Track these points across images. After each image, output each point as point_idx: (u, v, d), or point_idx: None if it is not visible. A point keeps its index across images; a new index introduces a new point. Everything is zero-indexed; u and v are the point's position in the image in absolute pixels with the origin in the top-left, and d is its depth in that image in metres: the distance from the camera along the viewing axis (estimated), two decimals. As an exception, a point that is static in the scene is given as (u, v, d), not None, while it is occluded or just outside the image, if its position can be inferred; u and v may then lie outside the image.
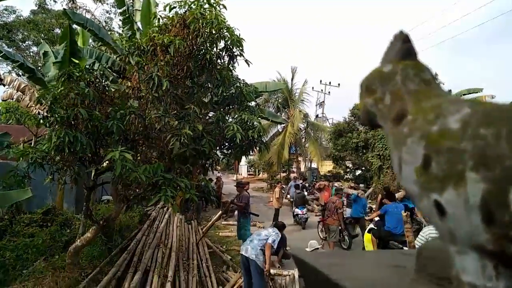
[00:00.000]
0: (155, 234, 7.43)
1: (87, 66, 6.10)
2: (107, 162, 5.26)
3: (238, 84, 5.90)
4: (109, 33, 10.72)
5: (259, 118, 6.22)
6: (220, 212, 12.37)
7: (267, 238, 5.34)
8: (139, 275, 5.20)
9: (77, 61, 7.78)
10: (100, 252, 6.16)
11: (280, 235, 5.58)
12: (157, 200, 4.59)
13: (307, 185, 22.57)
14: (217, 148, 6.06)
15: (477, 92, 17.52)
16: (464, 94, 17.99)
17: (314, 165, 29.00)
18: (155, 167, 4.60)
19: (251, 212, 9.04)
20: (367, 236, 7.05)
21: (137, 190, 5.19)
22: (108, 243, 6.41)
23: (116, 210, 5.65)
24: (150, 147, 5.59)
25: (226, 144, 6.02)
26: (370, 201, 13.57)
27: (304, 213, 12.17)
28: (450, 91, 22.66)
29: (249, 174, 46.48)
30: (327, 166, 27.63)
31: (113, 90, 5.50)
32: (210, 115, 6.57)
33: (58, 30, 23.12)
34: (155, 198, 4.56)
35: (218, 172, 18.56)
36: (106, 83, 5.20)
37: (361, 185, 13.34)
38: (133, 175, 4.22)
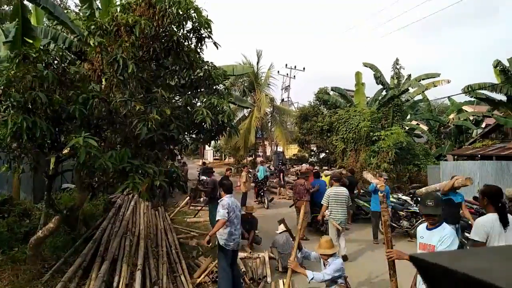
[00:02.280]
0: (121, 222, 7.25)
1: (41, 47, 5.69)
2: (68, 149, 5.00)
3: (206, 67, 5.75)
4: (65, 11, 10.02)
5: (228, 103, 6.14)
6: (188, 198, 12.33)
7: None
8: (107, 265, 5.06)
9: (30, 41, 7.25)
10: (63, 242, 5.91)
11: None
12: (125, 188, 4.43)
13: (272, 168, 22.85)
14: (186, 133, 5.93)
15: (434, 77, 18.32)
16: (423, 79, 18.77)
17: (280, 149, 29.35)
18: (122, 153, 4.43)
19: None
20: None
21: (103, 178, 4.98)
22: (72, 232, 6.16)
23: (80, 199, 5.42)
24: (115, 133, 5.37)
25: (195, 129, 5.90)
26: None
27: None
28: (409, 76, 23.58)
29: (215, 159, 46.28)
30: (292, 150, 28.07)
31: (72, 72, 5.19)
32: (177, 98, 6.40)
33: (6, 7, 21.36)
34: (123, 185, 4.40)
35: (182, 158, 18.35)
36: (65, 65, 4.88)
37: (384, 174, 11.31)
38: (99, 162, 4.03)
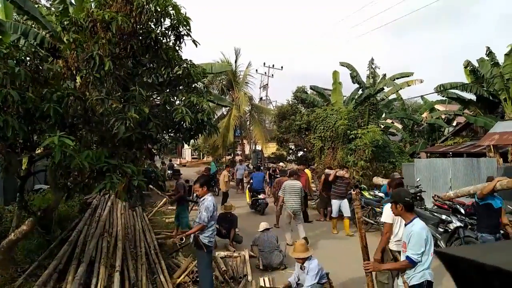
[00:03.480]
0: (97, 223, 7.08)
1: (11, 43, 5.46)
2: (42, 148, 4.84)
3: (185, 65, 5.69)
4: (36, 6, 9.65)
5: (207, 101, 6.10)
6: (165, 199, 12.16)
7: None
8: (84, 267, 4.94)
9: (-1, 36, 6.95)
10: (37, 245, 5.72)
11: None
12: (102, 188, 4.33)
13: (251, 166, 22.92)
14: (164, 132, 5.86)
15: (408, 76, 18.82)
16: (397, 78, 19.25)
17: (258, 147, 29.42)
18: (99, 152, 4.33)
19: (190, 200, 9.07)
20: None
21: (79, 178, 4.85)
22: (46, 235, 5.96)
23: (55, 200, 5.26)
24: (91, 132, 5.24)
25: (174, 127, 5.83)
26: (313, 180, 14.18)
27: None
28: (384, 75, 24.14)
29: (193, 158, 45.91)
30: (271, 148, 28.18)
31: (46, 69, 5.01)
32: (155, 97, 6.30)
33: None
34: (100, 185, 4.31)
35: (163, 158, 18.33)
36: (38, 61, 4.71)
37: (396, 173, 9.76)
38: (75, 161, 3.93)
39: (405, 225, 3.48)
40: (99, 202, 8.94)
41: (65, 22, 4.98)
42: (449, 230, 6.31)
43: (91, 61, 4.35)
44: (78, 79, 5.09)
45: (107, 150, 4.51)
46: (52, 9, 9.63)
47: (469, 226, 6.57)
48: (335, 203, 9.23)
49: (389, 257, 4.36)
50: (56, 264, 5.02)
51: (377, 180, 9.91)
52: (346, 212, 9.08)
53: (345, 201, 9.19)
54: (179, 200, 8.63)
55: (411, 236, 3.28)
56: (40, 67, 4.61)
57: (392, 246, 4.36)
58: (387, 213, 4.36)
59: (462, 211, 7.48)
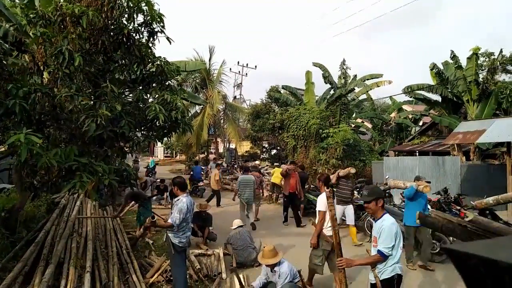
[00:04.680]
0: (66, 223, 6.84)
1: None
2: (6, 146, 4.64)
3: (159, 62, 5.61)
4: (-2, -3, 9.17)
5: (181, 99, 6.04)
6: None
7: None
8: (52, 268, 4.76)
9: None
10: (1, 247, 5.46)
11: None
12: (71, 187, 4.21)
13: (225, 165, 22.86)
14: (137, 129, 5.76)
15: (378, 77, 19.38)
16: (367, 79, 19.78)
17: (232, 145, 29.38)
18: (68, 151, 4.21)
19: (147, 197, 9.02)
20: None
21: (46, 177, 4.69)
22: (11, 236, 5.71)
23: (21, 200, 5.06)
24: (60, 129, 5.08)
25: (147, 125, 5.74)
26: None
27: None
28: (355, 76, 24.72)
29: (165, 156, 45.18)
30: (245, 147, 28.24)
31: (10, 64, 4.80)
32: (127, 94, 6.18)
33: None
34: (69, 184, 4.19)
35: (137, 156, 18.56)
36: (2, 55, 4.50)
37: (421, 176, 7.27)
38: (42, 160, 3.80)
39: (375, 220, 3.57)
40: (67, 202, 8.64)
41: (31, 15, 4.79)
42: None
43: (60, 56, 4.21)
44: (45, 74, 4.91)
45: (76, 148, 4.39)
46: (17, 0, 9.19)
47: None
48: (338, 208, 7.44)
49: (324, 241, 5.05)
50: (22, 267, 4.82)
51: (397, 183, 8.80)
52: (350, 220, 8.05)
53: (350, 206, 8.10)
54: (139, 202, 8.50)
55: (382, 230, 3.37)
56: (4, 62, 4.41)
57: (326, 231, 5.05)
58: (321, 203, 5.08)
59: (429, 207, 7.85)
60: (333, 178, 7.94)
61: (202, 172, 18.32)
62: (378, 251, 3.38)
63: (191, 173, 16.78)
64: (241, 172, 11.61)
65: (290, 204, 9.97)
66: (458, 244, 0.64)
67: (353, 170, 8.36)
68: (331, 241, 4.80)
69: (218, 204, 12.54)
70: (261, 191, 11.73)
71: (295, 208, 9.89)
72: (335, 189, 7.71)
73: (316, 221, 5.17)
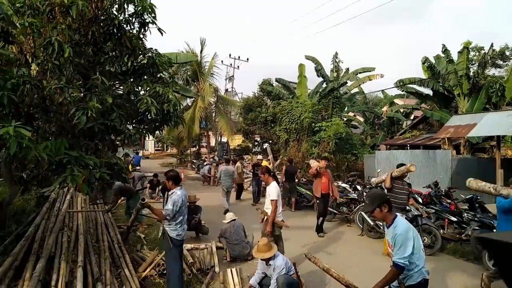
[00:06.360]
0: (57, 217, 6.77)
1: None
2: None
3: (150, 54, 5.52)
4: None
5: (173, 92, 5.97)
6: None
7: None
8: (43, 263, 4.70)
9: None
10: (-10, 242, 5.38)
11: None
12: (62, 181, 4.14)
13: (217, 158, 22.78)
14: (128, 122, 5.68)
15: (370, 71, 19.45)
16: (360, 72, 19.83)
17: (224, 139, 29.29)
18: (58, 144, 4.13)
19: (140, 188, 8.94)
20: None
21: (36, 170, 4.62)
22: (0, 230, 5.63)
23: (10, 194, 4.97)
24: (49, 122, 4.98)
25: (138, 118, 5.67)
26: (278, 172, 14.36)
27: None
28: (347, 69, 24.74)
29: (156, 150, 44.93)
30: (237, 140, 28.18)
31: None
32: (118, 86, 6.09)
33: None
34: (60, 178, 4.11)
35: (129, 149, 18.26)
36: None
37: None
38: (32, 153, 3.72)
39: (387, 227, 3.29)
40: (57, 196, 8.54)
41: (18, 5, 4.66)
42: (408, 218, 6.65)
43: (49, 47, 4.11)
44: (34, 66, 4.80)
45: (67, 142, 4.31)
46: (3, -10, 8.96)
47: (426, 215, 7.02)
48: None
49: (277, 228, 5.67)
50: (12, 261, 4.75)
51: (478, 183, 6.33)
52: None
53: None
54: (127, 196, 8.53)
55: (396, 240, 3.10)
56: (-9, 53, 4.29)
57: (277, 218, 5.66)
58: (273, 192, 5.63)
59: (420, 200, 7.96)
60: (386, 181, 6.61)
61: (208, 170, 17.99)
62: (394, 262, 3.09)
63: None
64: (223, 163, 12.34)
65: (323, 207, 8.21)
66: (491, 234, 0.62)
67: (413, 168, 6.32)
68: (283, 224, 5.78)
69: (236, 198, 13.05)
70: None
71: (325, 214, 8.38)
72: (388, 194, 6.12)
73: (267, 211, 5.66)
